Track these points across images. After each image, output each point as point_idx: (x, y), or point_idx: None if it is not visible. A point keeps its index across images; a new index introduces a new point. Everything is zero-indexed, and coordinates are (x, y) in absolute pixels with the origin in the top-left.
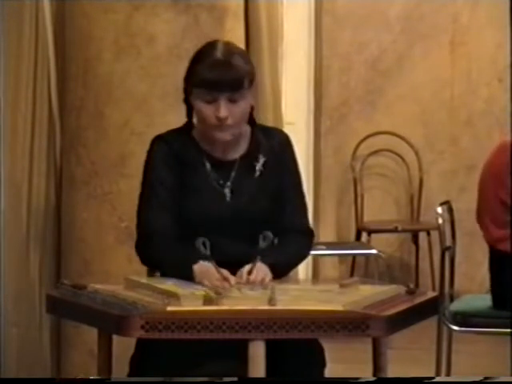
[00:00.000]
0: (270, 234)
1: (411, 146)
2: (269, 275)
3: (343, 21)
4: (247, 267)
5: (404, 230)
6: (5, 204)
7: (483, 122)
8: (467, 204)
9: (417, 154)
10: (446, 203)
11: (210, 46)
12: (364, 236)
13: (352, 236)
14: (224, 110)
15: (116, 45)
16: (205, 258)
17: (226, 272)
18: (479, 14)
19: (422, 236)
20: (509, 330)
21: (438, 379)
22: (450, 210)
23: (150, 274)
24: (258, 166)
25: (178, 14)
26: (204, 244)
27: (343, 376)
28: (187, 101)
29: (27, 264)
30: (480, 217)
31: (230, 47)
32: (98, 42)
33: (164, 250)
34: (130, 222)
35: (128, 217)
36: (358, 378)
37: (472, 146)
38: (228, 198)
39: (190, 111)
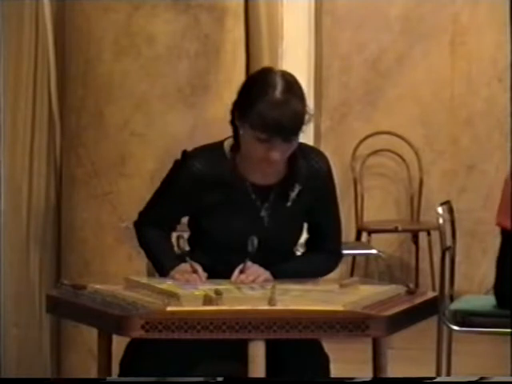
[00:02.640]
0: (255, 240)
1: (411, 145)
2: (263, 276)
3: (343, 21)
4: (240, 267)
5: (404, 230)
6: (5, 204)
7: (483, 122)
8: (467, 204)
9: (417, 153)
10: (446, 203)
11: (268, 81)
12: (364, 236)
13: (352, 236)
14: (277, 152)
15: (116, 45)
16: (182, 253)
17: (196, 264)
18: (479, 13)
19: (422, 236)
20: (509, 330)
21: (438, 379)
22: (450, 210)
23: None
24: (292, 195)
25: (178, 14)
26: (183, 241)
27: (343, 376)
28: (233, 123)
29: (27, 264)
30: (501, 201)
31: (288, 83)
32: (97, 41)
33: (153, 237)
34: (130, 221)
35: (128, 217)
36: (352, 378)
37: (472, 146)
38: (266, 224)
39: (236, 133)
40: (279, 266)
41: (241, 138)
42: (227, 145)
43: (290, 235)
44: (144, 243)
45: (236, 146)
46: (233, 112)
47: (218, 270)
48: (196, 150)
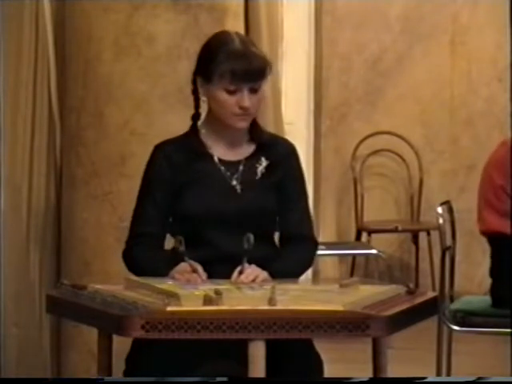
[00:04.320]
0: (251, 236)
1: (411, 146)
2: (261, 275)
3: (343, 21)
4: (239, 268)
5: (404, 230)
6: (5, 204)
7: (483, 122)
8: (467, 204)
9: (417, 153)
10: (446, 203)
11: (225, 37)
12: (364, 236)
13: (352, 236)
14: (248, 100)
15: (116, 45)
16: (181, 254)
17: (195, 264)
18: (479, 14)
19: (422, 236)
20: (509, 330)
21: (431, 379)
22: (450, 210)
23: None
24: (260, 169)
25: (178, 13)
26: (180, 242)
27: (343, 376)
28: (195, 92)
29: (27, 264)
30: (479, 208)
31: (243, 37)
32: (97, 41)
33: (142, 258)
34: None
35: (128, 217)
36: (349, 378)
37: (472, 145)
38: (239, 191)
39: (197, 103)
40: (271, 267)
41: (209, 101)
42: (191, 129)
43: (264, 204)
44: (136, 264)
45: (196, 115)
46: (194, 81)
47: (202, 253)
48: (163, 140)
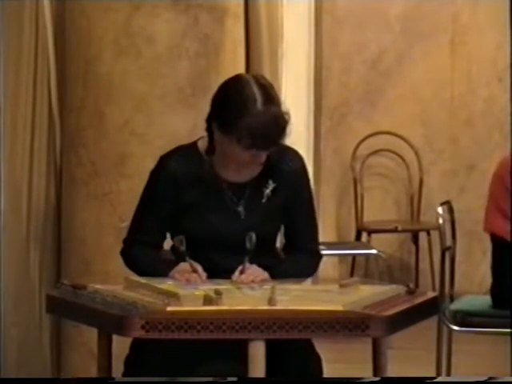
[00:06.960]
0: (253, 236)
1: (411, 146)
2: (261, 276)
3: (343, 21)
4: (240, 268)
5: (404, 230)
6: (5, 204)
7: (483, 122)
8: (467, 204)
9: (417, 154)
10: (446, 203)
11: (246, 93)
12: (364, 236)
13: (352, 236)
14: (262, 158)
15: (116, 45)
16: (181, 254)
17: (196, 264)
18: (479, 14)
19: (422, 236)
20: (509, 330)
21: (441, 379)
22: (450, 210)
23: None
24: (266, 192)
25: (178, 14)
26: (181, 241)
27: (343, 376)
28: (209, 130)
29: (27, 264)
30: (487, 210)
31: (264, 91)
32: (98, 41)
33: (141, 260)
34: (130, 221)
35: (128, 217)
36: (360, 378)
37: (472, 145)
38: (242, 216)
39: (211, 138)
40: (272, 268)
41: (224, 147)
42: (201, 145)
43: (267, 228)
44: (135, 264)
45: (211, 149)
46: (208, 121)
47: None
48: (170, 151)
